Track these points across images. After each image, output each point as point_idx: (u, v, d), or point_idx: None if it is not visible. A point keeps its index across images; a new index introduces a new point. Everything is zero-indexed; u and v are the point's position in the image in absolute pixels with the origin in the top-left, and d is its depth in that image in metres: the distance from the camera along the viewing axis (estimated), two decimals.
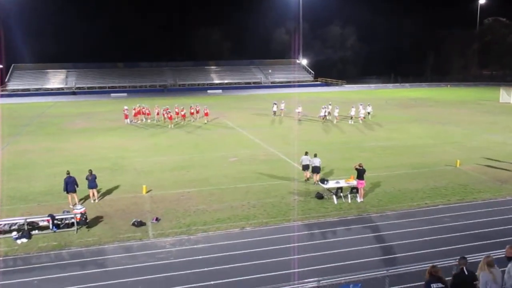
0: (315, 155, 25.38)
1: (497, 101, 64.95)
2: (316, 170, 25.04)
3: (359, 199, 21.96)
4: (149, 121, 48.87)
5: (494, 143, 35.65)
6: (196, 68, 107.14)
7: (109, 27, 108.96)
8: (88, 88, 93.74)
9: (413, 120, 45.14)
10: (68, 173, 21.98)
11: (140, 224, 19.21)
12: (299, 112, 49.21)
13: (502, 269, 10.59)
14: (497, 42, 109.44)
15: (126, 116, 48.43)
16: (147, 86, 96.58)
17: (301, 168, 26.12)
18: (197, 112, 50.29)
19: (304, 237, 17.99)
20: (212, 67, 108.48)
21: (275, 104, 52.53)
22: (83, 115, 56.22)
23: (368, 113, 49.11)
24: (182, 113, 48.25)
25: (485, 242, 16.97)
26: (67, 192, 21.59)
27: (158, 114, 49.21)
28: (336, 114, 47.14)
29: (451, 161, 29.42)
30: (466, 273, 10.20)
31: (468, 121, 46.39)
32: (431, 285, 9.74)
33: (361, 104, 48.67)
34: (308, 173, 25.79)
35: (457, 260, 10.81)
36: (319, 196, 22.41)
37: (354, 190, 22.23)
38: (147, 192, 23.76)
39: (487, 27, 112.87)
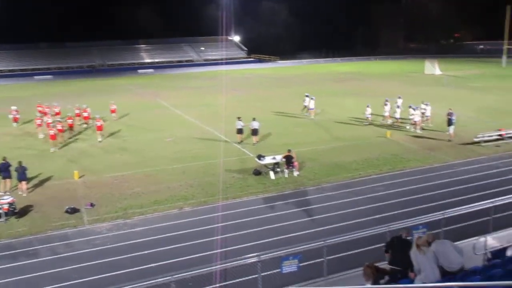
0: (254, 119, 28.14)
1: (423, 73, 67.72)
2: (255, 132, 28.01)
3: (295, 173, 22.33)
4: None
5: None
6: (126, 47, 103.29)
7: (27, 4, 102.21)
8: (9, 71, 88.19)
9: (345, 93, 46.08)
10: (4, 159, 21.15)
11: (73, 210, 18.56)
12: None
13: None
14: (422, 15, 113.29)
15: (16, 119, 36.88)
16: (74, 68, 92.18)
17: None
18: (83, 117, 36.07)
19: (243, 213, 18.10)
20: (142, 45, 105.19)
21: (307, 96, 38.14)
22: (4, 100, 52.94)
23: (426, 116, 32.97)
24: (85, 114, 35.92)
25: (414, 208, 17.86)
26: (3, 178, 20.89)
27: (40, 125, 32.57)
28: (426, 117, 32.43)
29: (382, 132, 30.57)
30: (404, 237, 10.94)
31: (396, 93, 47.94)
32: (380, 282, 10.09)
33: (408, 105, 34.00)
34: (241, 136, 28.84)
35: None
36: (257, 173, 22.59)
37: (290, 165, 22.52)
38: (79, 177, 22.91)
39: (412, 0, 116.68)
